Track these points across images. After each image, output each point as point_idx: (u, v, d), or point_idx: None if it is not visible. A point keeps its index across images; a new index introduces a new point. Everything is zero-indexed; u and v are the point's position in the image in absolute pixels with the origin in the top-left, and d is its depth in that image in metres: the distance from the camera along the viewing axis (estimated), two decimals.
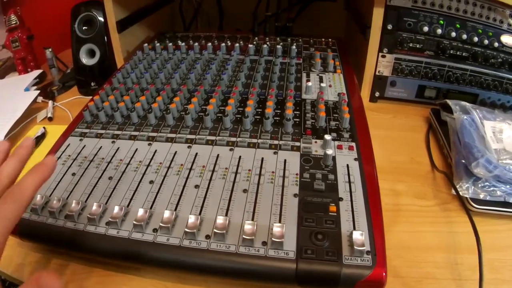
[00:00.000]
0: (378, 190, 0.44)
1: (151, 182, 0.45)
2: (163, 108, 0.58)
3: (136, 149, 0.50)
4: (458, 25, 0.69)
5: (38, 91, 0.83)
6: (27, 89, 0.86)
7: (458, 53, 0.71)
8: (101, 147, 0.52)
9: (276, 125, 0.53)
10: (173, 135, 0.52)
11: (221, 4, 1.02)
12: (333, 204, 0.41)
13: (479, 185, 0.54)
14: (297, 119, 0.54)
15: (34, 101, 0.80)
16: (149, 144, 0.51)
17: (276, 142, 0.50)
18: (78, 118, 0.59)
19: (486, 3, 0.68)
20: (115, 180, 0.45)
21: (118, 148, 0.51)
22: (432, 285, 0.42)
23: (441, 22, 0.69)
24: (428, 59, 0.73)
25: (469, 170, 0.55)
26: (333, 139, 0.50)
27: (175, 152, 0.49)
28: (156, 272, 0.42)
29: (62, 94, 0.87)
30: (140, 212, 0.40)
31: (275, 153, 0.48)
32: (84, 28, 0.84)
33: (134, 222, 0.39)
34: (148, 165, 0.47)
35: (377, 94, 0.77)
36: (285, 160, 0.47)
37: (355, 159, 0.48)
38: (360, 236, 0.37)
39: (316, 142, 0.50)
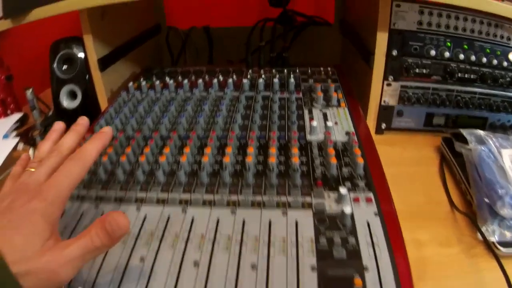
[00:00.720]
0: (405, 251, 0.38)
1: (142, 259, 0.38)
2: (152, 161, 0.51)
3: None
4: (465, 46, 0.65)
5: (18, 139, 0.76)
6: (6, 136, 0.80)
7: (466, 75, 0.67)
8: (82, 213, 0.45)
9: (281, 176, 0.47)
10: (164, 195, 0.46)
11: (210, 34, 0.97)
12: (358, 276, 0.35)
13: (506, 225, 0.49)
14: (304, 167, 0.48)
15: (14, 149, 0.74)
16: (138, 209, 0.44)
17: (284, 198, 0.44)
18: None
19: (493, 20, 0.64)
20: (99, 259, 0.39)
21: (102, 214, 0.44)
22: None
23: (448, 44, 0.65)
24: (436, 84, 0.68)
25: (493, 210, 0.51)
26: (348, 189, 0.44)
27: (168, 218, 0.42)
28: None
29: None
30: None
31: (284, 213, 0.42)
32: (64, 67, 0.78)
33: None
34: (138, 236, 0.41)
35: (383, 126, 0.72)
36: (296, 222, 0.41)
37: (376, 213, 0.42)
38: None
39: (329, 195, 0.44)
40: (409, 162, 0.65)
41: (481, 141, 0.61)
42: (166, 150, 0.50)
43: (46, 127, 0.83)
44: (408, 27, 0.63)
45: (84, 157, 0.39)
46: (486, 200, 0.52)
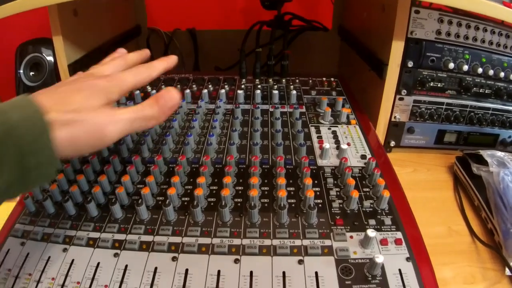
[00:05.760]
0: None
1: None
2: (132, 192, 0.42)
3: (98, 263, 0.35)
4: (484, 59, 0.60)
5: None
6: None
7: (481, 90, 0.63)
8: (49, 257, 0.36)
9: (293, 212, 0.39)
10: (149, 239, 0.37)
11: (196, 38, 0.88)
12: None
13: None
14: (319, 200, 0.40)
15: None
16: (116, 255, 0.35)
17: (298, 242, 0.36)
18: (20, 206, 0.42)
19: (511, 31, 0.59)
20: None
21: (73, 261, 0.35)
22: None
23: (467, 56, 0.59)
24: (450, 99, 0.62)
25: None
26: (374, 228, 0.37)
27: (155, 270, 0.34)
28: None
29: None
30: None
31: (300, 262, 0.34)
32: (31, 73, 0.68)
33: None
34: None
35: (392, 143, 0.65)
36: (316, 274, 0.33)
37: (407, 258, 0.35)
38: None
39: (352, 237, 0.36)
40: (423, 186, 0.60)
41: (502, 164, 0.56)
42: (150, 179, 0.41)
43: None
44: (427, 36, 0.56)
45: (152, 68, 0.41)
46: None
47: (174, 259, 0.34)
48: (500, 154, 0.57)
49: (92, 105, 0.32)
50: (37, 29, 0.75)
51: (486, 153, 0.57)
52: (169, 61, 0.44)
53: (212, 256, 0.35)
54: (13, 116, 0.27)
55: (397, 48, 0.55)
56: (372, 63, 0.63)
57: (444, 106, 0.62)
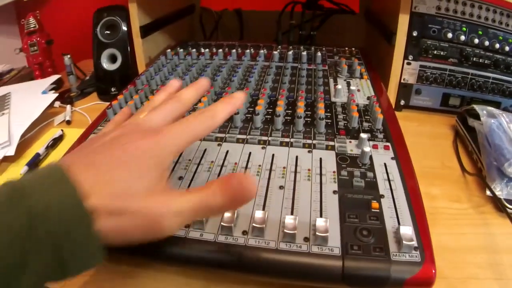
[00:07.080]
0: (418, 188, 0.43)
1: (180, 178, 0.43)
2: (190, 109, 0.57)
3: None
4: (480, 32, 0.70)
5: (56, 94, 0.80)
6: (44, 92, 0.83)
7: (480, 60, 0.72)
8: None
9: (308, 125, 0.52)
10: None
11: (242, 16, 1.03)
12: (375, 201, 0.40)
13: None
14: (328, 120, 0.53)
15: (52, 105, 0.78)
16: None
17: (309, 141, 0.49)
18: (101, 117, 0.58)
19: (505, 10, 0.69)
20: None
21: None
22: (475, 285, 0.42)
23: (464, 29, 0.69)
24: (452, 66, 0.72)
25: (501, 172, 0.55)
26: (368, 139, 0.49)
27: (205, 150, 0.48)
28: (182, 273, 0.40)
29: (80, 100, 0.86)
30: None
31: (309, 151, 0.47)
32: (106, 32, 0.83)
33: None
34: (177, 162, 0.46)
35: (402, 102, 0.76)
36: (320, 159, 0.46)
37: (392, 158, 0.47)
38: (408, 231, 0.35)
39: (350, 142, 0.49)
40: (424, 135, 0.69)
41: (492, 115, 0.65)
42: (204, 99, 0.56)
43: (82, 90, 0.89)
44: (428, 11, 0.69)
45: (214, 116, 0.34)
46: (495, 162, 0.56)
47: (219, 145, 0.49)
48: (491, 108, 0.66)
49: (143, 187, 0.27)
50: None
51: (478, 107, 0.67)
52: (237, 102, 0.37)
53: (246, 144, 0.48)
54: (44, 199, 0.22)
55: (403, 20, 0.68)
56: (385, 34, 0.75)
57: (447, 72, 0.72)
